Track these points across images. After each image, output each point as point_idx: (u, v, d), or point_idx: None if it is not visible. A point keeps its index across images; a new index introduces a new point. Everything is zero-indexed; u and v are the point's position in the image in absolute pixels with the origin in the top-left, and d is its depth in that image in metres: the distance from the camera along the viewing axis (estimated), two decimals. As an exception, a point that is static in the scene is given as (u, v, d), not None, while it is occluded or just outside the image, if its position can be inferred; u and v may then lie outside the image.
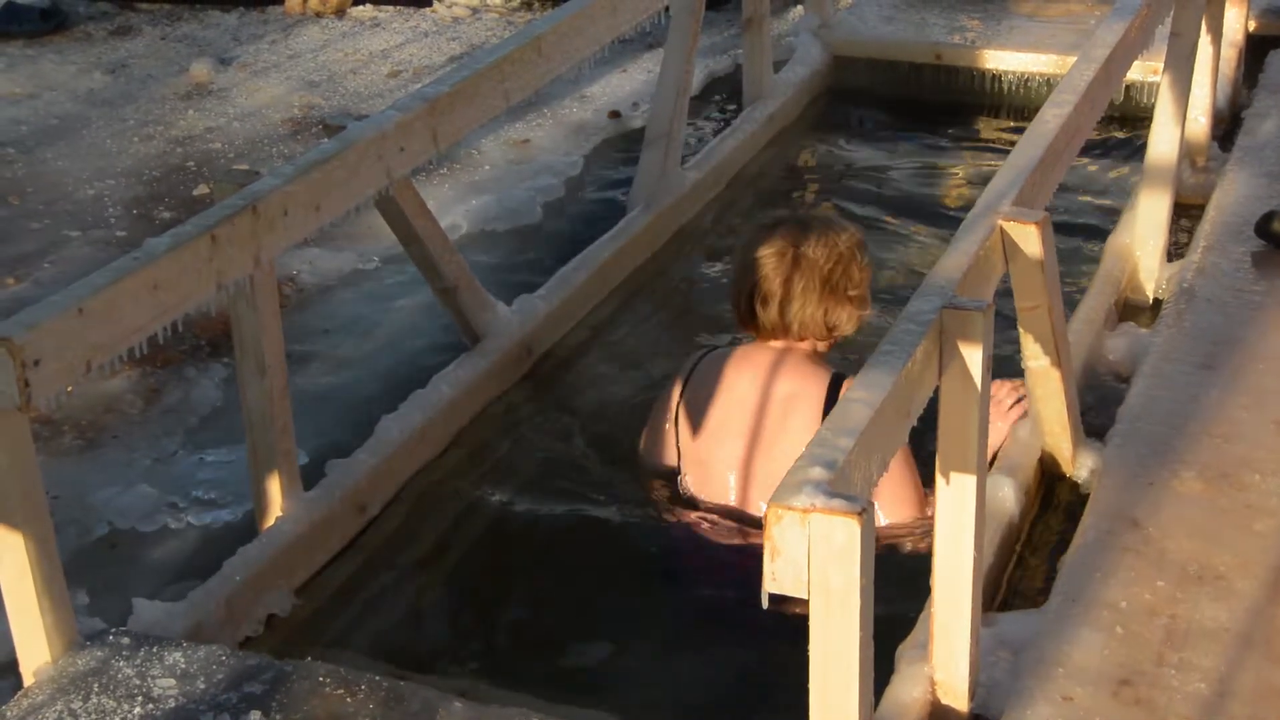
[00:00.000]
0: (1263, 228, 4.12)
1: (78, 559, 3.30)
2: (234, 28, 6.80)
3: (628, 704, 2.93)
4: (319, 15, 6.90)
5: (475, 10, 6.99)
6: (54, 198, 5.12)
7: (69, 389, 2.60)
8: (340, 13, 6.92)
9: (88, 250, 4.74)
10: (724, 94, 5.89)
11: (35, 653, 2.70)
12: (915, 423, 2.41)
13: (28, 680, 2.69)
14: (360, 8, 6.97)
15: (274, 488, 3.25)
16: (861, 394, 2.28)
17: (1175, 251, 4.34)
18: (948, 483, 2.60)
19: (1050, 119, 3.29)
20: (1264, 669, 2.70)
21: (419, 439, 3.63)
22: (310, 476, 3.38)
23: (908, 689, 2.72)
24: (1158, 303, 4.17)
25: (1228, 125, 5.15)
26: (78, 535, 3.43)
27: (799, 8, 6.49)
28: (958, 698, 2.71)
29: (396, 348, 4.19)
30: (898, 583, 3.04)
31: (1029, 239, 2.90)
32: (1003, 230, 2.88)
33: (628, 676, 3.04)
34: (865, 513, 2.00)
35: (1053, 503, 3.41)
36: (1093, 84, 3.46)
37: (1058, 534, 3.29)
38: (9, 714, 2.60)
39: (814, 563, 2.02)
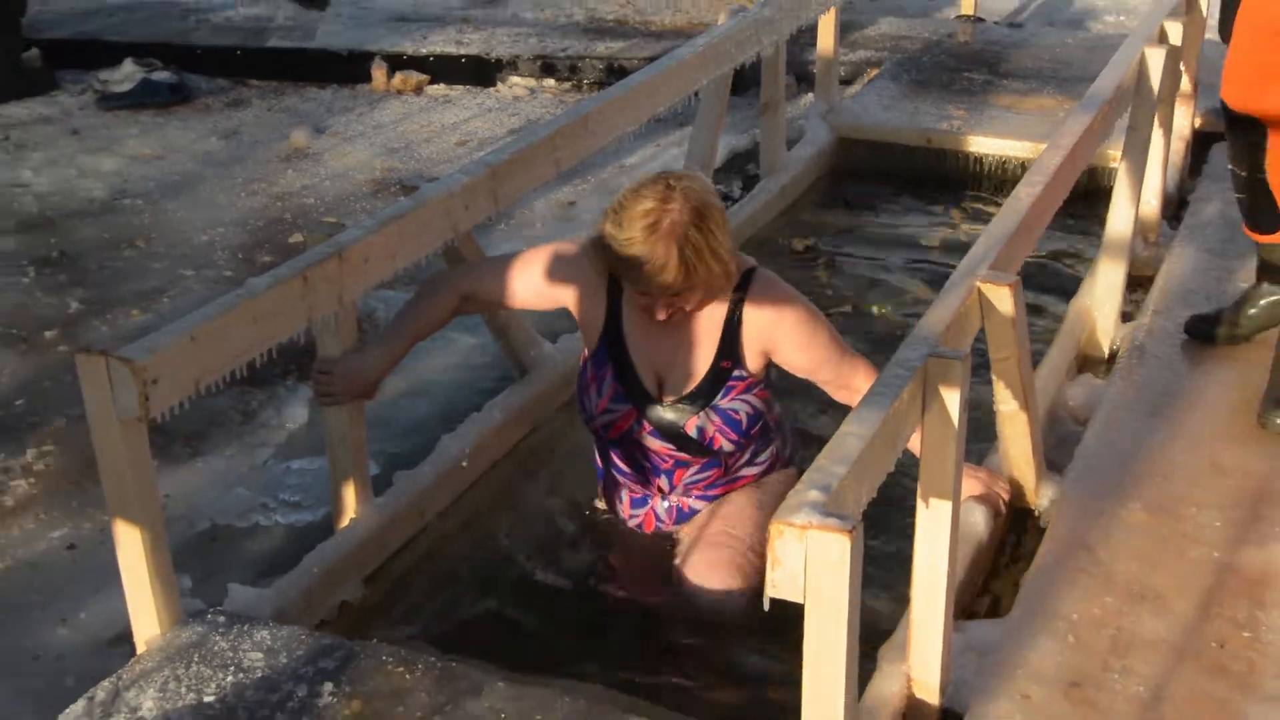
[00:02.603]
0: (1192, 327, 4.03)
1: (184, 549, 3.33)
2: (328, 101, 6.86)
3: (659, 690, 2.92)
4: (400, 92, 6.95)
5: (532, 90, 7.03)
6: (174, 243, 5.17)
7: (181, 404, 2.62)
8: (418, 90, 6.97)
9: (200, 287, 4.77)
10: (743, 167, 5.92)
11: (146, 626, 2.72)
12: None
13: (140, 649, 2.72)
14: (435, 86, 7.03)
15: (349, 494, 3.26)
16: (854, 428, 2.28)
17: (1128, 314, 4.32)
18: (927, 506, 2.60)
19: (1023, 196, 3.30)
20: (1196, 677, 2.69)
21: (473, 455, 3.63)
22: (380, 485, 3.39)
23: (888, 685, 2.71)
24: (1113, 357, 4.15)
25: (1176, 207, 5.13)
26: (185, 529, 3.46)
27: (810, 95, 6.50)
28: (930, 693, 2.71)
29: (456, 377, 4.21)
30: (882, 589, 3.07)
31: (1003, 299, 2.90)
32: (980, 291, 2.89)
33: (660, 666, 3.00)
34: (855, 530, 2.01)
35: (1018, 528, 3.38)
36: (1060, 167, 3.46)
37: (1021, 555, 3.27)
38: (124, 676, 2.62)
39: (810, 572, 2.02)
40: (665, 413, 3.08)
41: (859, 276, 4.96)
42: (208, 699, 2.56)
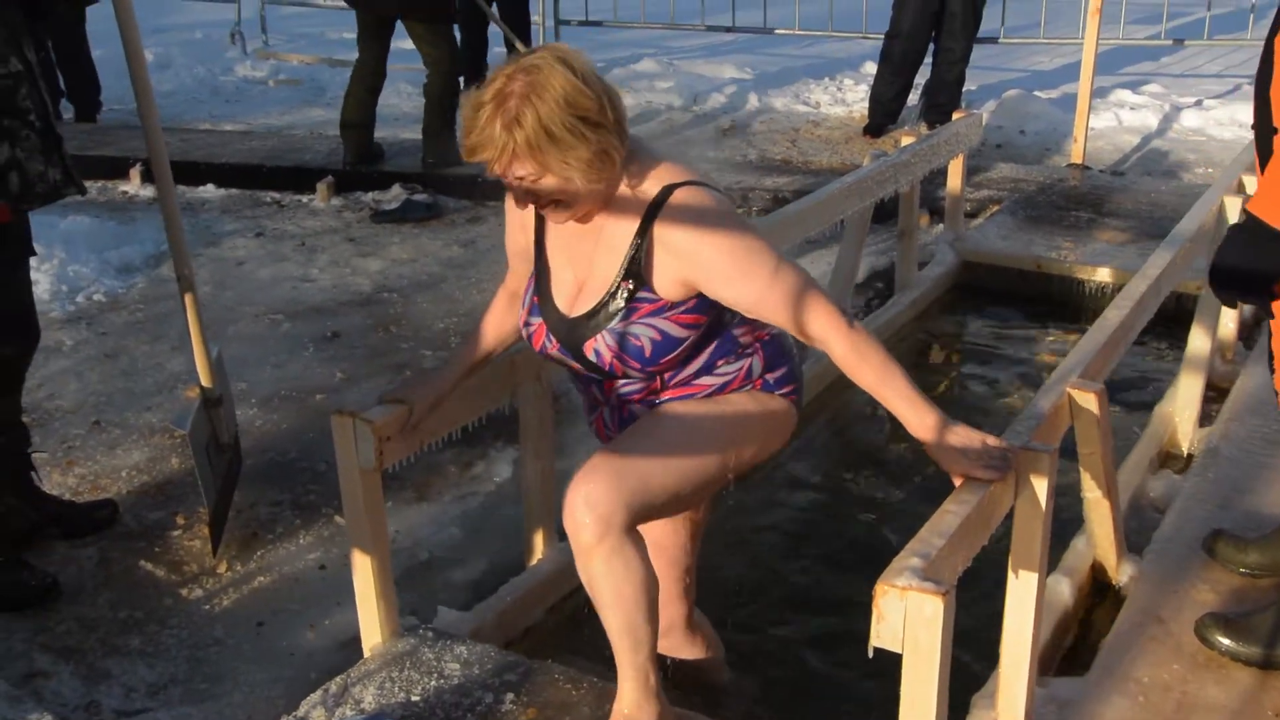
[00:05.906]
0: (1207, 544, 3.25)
1: (406, 575, 3.38)
2: (547, 220, 7.00)
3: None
4: (605, 215, 7.06)
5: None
6: (418, 328, 5.30)
7: (410, 458, 2.68)
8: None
9: (436, 365, 4.87)
10: (882, 283, 5.84)
11: (371, 635, 2.78)
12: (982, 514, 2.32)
13: (366, 654, 2.77)
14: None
15: (538, 537, 3.28)
16: (953, 506, 2.22)
17: (1205, 420, 4.12)
18: (1016, 577, 2.50)
19: (1111, 317, 3.18)
20: (1252, 740, 2.53)
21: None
22: (564, 532, 3.37)
23: (978, 727, 2.61)
24: (1190, 457, 3.96)
25: (1250, 330, 4.90)
26: (407, 559, 3.51)
27: (940, 225, 6.40)
28: (1015, 738, 2.59)
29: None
30: (972, 646, 2.95)
31: (1089, 402, 2.79)
32: (1070, 395, 2.79)
33: (784, 706, 2.93)
34: (948, 594, 1.95)
35: (1100, 599, 3.23)
36: (1144, 294, 3.33)
37: (1101, 623, 3.12)
38: (352, 675, 2.68)
39: (908, 627, 1.96)
40: (567, 330, 2.40)
41: (974, 378, 4.85)
42: (414, 699, 2.59)
